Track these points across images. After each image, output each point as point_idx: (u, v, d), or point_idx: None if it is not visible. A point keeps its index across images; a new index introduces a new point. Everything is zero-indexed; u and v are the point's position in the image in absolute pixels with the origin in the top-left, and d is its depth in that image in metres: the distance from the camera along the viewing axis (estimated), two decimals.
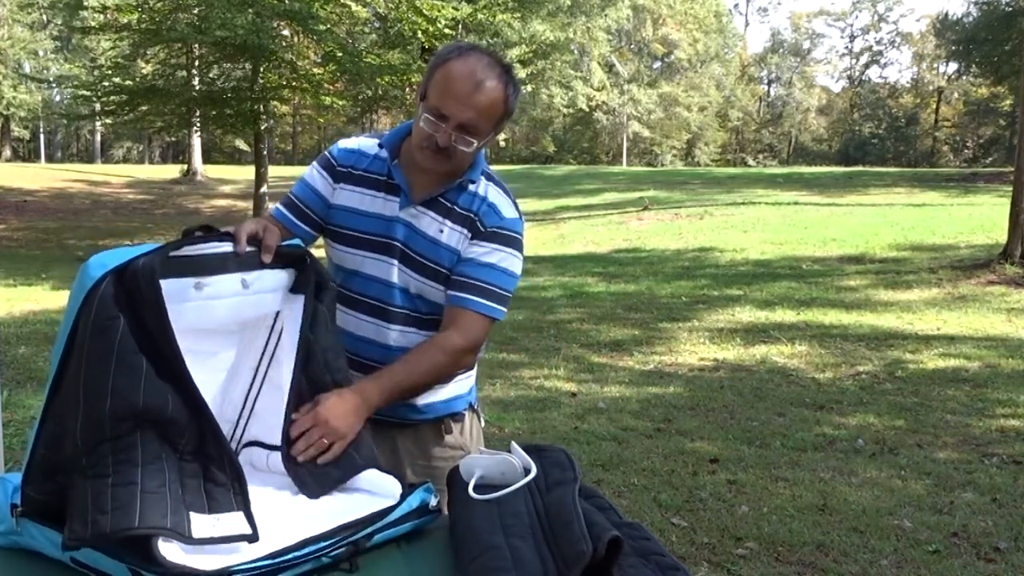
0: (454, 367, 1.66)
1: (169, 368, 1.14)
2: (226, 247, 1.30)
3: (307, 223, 1.72)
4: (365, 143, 1.73)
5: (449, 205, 1.67)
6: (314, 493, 1.33)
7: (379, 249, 1.68)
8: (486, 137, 1.61)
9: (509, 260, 1.68)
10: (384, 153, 1.69)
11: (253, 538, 1.14)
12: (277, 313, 1.41)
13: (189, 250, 1.24)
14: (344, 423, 1.38)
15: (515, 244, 1.69)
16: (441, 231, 1.66)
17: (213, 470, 1.16)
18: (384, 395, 1.52)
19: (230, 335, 1.38)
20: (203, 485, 1.15)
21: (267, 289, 1.36)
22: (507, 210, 1.69)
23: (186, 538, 1.08)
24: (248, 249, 1.32)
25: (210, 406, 1.19)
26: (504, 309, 1.67)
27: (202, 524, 1.11)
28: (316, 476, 1.35)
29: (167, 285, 1.16)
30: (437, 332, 1.66)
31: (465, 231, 1.67)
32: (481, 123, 1.57)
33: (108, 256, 1.15)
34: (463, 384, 1.81)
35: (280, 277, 1.38)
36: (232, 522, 1.14)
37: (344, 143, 1.75)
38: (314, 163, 1.76)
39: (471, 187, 1.68)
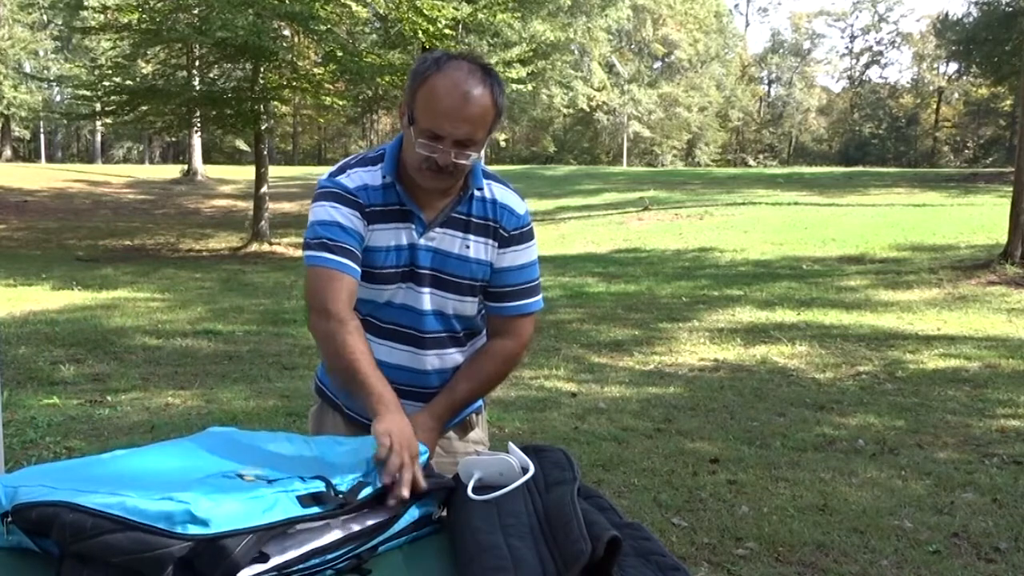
0: (511, 371, 1.77)
1: None
2: None
3: (360, 268, 1.63)
4: (367, 176, 1.64)
5: (465, 218, 1.66)
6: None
7: (408, 278, 1.65)
8: (483, 144, 1.59)
9: (532, 250, 1.75)
10: (390, 179, 1.64)
11: (263, 558, 1.14)
12: None
13: None
14: (426, 440, 1.54)
15: (532, 234, 1.75)
16: (467, 246, 1.66)
17: None
18: (454, 413, 1.69)
19: None
20: None
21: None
22: (519, 206, 1.71)
23: None
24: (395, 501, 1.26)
25: None
26: (542, 296, 1.77)
27: None
28: None
29: None
30: (489, 340, 1.74)
31: (490, 240, 1.67)
32: (477, 134, 1.53)
33: (217, 508, 1.07)
34: None
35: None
36: None
37: (349, 182, 1.62)
38: (337, 205, 1.61)
39: (478, 193, 1.67)
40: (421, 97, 1.52)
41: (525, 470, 1.32)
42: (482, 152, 1.67)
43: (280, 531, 1.12)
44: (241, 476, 1.19)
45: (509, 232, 1.69)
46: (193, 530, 1.03)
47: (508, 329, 1.72)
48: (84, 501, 1.09)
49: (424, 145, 1.52)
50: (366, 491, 1.23)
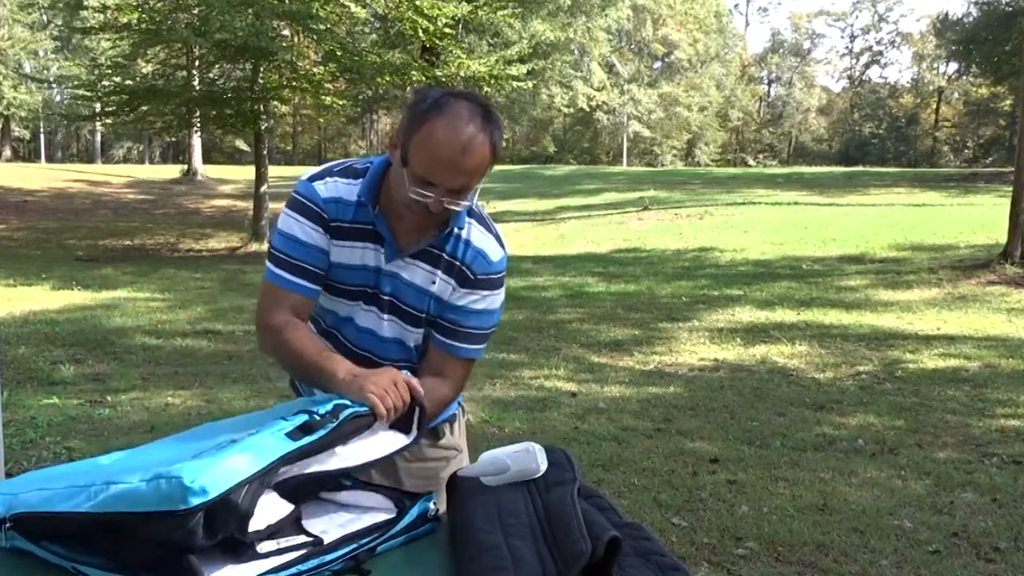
0: (439, 414, 1.69)
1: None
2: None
3: (319, 283, 1.62)
4: (344, 188, 1.59)
5: (438, 253, 1.60)
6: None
7: (371, 301, 1.63)
8: (477, 188, 1.54)
9: (496, 299, 1.65)
10: (364, 200, 1.58)
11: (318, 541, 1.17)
12: None
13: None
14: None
15: (501, 283, 1.66)
16: (433, 282, 1.60)
17: None
18: None
19: None
20: None
21: (356, 457, 1.33)
22: (494, 252, 1.63)
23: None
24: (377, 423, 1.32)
25: None
26: (485, 345, 1.70)
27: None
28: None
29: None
30: (423, 376, 1.56)
31: (453, 281, 1.61)
32: (472, 182, 1.49)
33: (210, 471, 1.05)
34: None
35: (377, 440, 1.35)
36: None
37: (323, 190, 1.59)
38: (298, 217, 1.58)
39: (457, 231, 1.61)
40: (418, 140, 1.45)
41: (535, 471, 1.33)
42: (475, 194, 1.58)
43: (279, 469, 1.14)
44: (234, 441, 1.19)
45: (476, 276, 1.61)
46: (196, 501, 1.03)
47: (445, 370, 1.63)
48: (79, 504, 1.08)
49: (417, 192, 1.45)
50: (346, 412, 1.27)
